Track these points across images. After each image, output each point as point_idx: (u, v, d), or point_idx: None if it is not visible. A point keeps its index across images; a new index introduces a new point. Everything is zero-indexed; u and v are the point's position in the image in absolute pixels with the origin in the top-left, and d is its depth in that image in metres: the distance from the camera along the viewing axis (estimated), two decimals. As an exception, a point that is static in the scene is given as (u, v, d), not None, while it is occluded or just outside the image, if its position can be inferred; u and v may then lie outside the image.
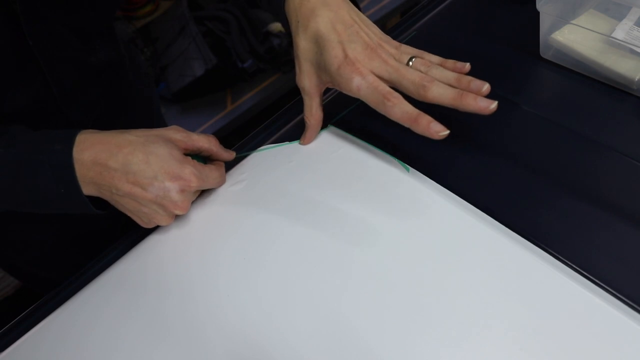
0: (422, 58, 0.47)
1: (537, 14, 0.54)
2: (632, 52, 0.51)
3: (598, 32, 0.53)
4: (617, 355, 0.36)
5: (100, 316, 0.45)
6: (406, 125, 0.43)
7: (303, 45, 0.47)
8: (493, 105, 0.42)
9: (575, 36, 0.55)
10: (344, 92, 0.47)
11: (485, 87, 0.44)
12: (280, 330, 0.41)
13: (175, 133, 0.47)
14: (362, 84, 0.44)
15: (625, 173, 0.46)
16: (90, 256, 0.51)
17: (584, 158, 0.48)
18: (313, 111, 0.51)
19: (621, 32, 0.52)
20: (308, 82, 0.49)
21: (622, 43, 0.52)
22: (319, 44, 0.46)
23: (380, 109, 0.45)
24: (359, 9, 0.52)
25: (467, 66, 0.47)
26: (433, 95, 0.43)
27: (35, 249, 0.67)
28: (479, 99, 0.43)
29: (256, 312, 0.42)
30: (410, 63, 0.46)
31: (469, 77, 0.45)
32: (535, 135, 0.51)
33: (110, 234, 0.58)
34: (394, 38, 0.63)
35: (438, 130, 0.42)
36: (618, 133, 0.50)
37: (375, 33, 0.47)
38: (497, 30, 0.62)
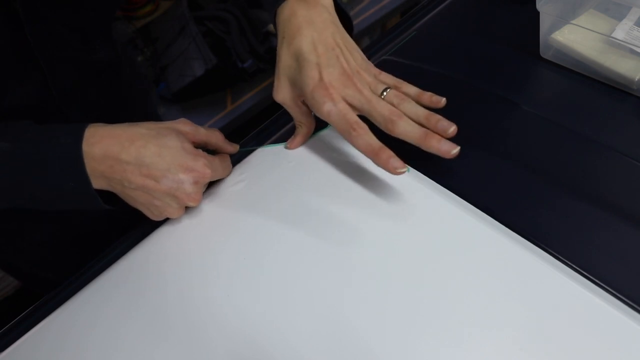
0: (398, 88, 0.48)
1: (537, 14, 0.54)
2: (632, 52, 0.51)
3: (598, 32, 0.53)
4: (617, 355, 0.36)
5: (100, 316, 0.45)
6: (367, 156, 0.45)
7: (284, 60, 0.48)
8: (455, 150, 0.44)
9: (575, 36, 0.55)
10: (315, 113, 0.48)
11: (452, 129, 0.45)
12: (281, 330, 0.41)
13: (184, 126, 0.47)
14: (332, 109, 0.45)
15: (625, 173, 0.46)
16: (90, 256, 0.51)
17: (584, 158, 0.48)
18: (301, 119, 0.52)
19: (621, 32, 0.52)
20: (285, 95, 0.50)
21: (622, 43, 0.52)
22: (298, 62, 0.47)
23: (346, 137, 0.46)
24: (352, 28, 0.52)
25: (443, 101, 0.49)
26: (399, 131, 0.44)
27: (35, 249, 0.67)
28: (442, 142, 0.44)
29: (256, 312, 0.42)
30: (385, 94, 0.47)
31: (438, 117, 0.46)
32: (535, 135, 0.51)
33: (110, 234, 0.57)
34: (394, 38, 0.64)
35: (396, 167, 0.43)
36: (618, 133, 0.50)
37: (356, 58, 0.48)
38: (497, 30, 0.62)
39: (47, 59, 0.49)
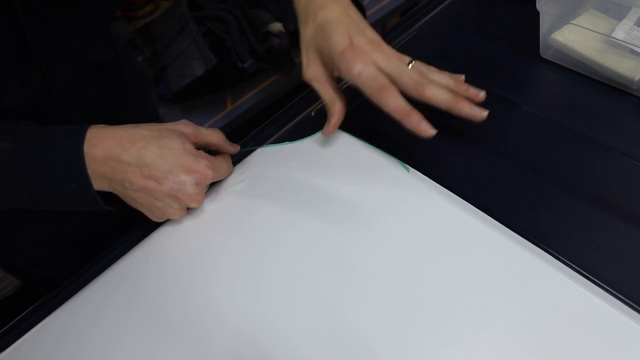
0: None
1: (537, 14, 0.54)
2: (632, 52, 0.51)
3: (598, 32, 0.53)
4: (617, 355, 0.36)
5: (100, 316, 0.45)
6: (398, 117, 0.45)
7: (309, 34, 0.48)
8: (485, 113, 0.46)
9: (575, 36, 0.55)
10: (344, 76, 0.47)
11: (482, 94, 0.47)
12: (281, 330, 0.41)
13: (185, 127, 0.47)
14: (363, 70, 0.45)
15: (625, 173, 0.46)
16: (90, 256, 0.51)
17: (584, 158, 0.48)
18: (333, 95, 0.50)
19: (621, 32, 0.52)
20: (315, 68, 0.49)
21: (622, 43, 0.52)
22: (325, 31, 0.46)
23: (375, 98, 0.45)
24: (365, 17, 0.52)
25: (462, 77, 0.49)
26: (431, 93, 0.45)
27: (35, 249, 0.67)
28: (473, 106, 0.46)
29: (256, 312, 0.42)
30: (411, 65, 0.47)
31: (466, 84, 0.47)
32: (535, 135, 0.51)
33: (110, 234, 0.57)
34: (394, 38, 0.64)
35: (427, 128, 0.44)
36: (618, 133, 0.50)
37: (377, 36, 0.48)
38: (497, 30, 0.62)
39: (47, 59, 0.49)
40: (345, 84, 0.56)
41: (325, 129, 0.51)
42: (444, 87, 0.46)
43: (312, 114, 0.53)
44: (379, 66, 0.45)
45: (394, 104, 0.45)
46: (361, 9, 0.52)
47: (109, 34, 0.60)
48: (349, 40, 0.45)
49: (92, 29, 0.55)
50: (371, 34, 0.47)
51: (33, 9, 0.46)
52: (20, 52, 0.47)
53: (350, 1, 0.49)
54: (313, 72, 0.49)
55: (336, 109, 0.50)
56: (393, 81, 0.46)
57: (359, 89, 0.46)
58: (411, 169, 0.49)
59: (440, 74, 0.48)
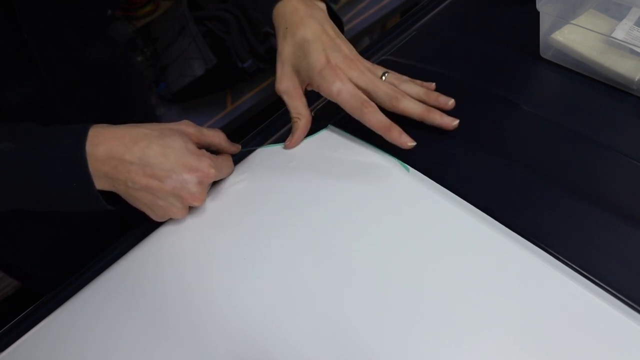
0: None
1: (537, 14, 0.54)
2: (632, 52, 0.51)
3: (598, 32, 0.53)
4: (617, 355, 0.36)
5: (100, 316, 0.45)
6: (379, 132, 0.48)
7: (288, 50, 0.50)
8: (455, 122, 0.50)
9: (575, 36, 0.55)
10: (323, 94, 0.49)
11: (451, 102, 0.51)
12: (281, 330, 0.41)
13: (187, 127, 0.48)
14: (342, 88, 0.48)
15: (625, 173, 0.46)
16: (90, 256, 0.51)
17: (584, 158, 0.48)
18: (301, 111, 0.52)
19: (621, 32, 0.52)
20: (289, 83, 0.51)
21: (622, 43, 0.52)
22: (304, 49, 0.49)
23: (356, 115, 0.48)
24: (343, 29, 0.56)
25: (433, 85, 0.54)
26: (404, 107, 0.48)
27: (35, 250, 0.67)
28: (444, 116, 0.50)
29: (256, 312, 0.42)
30: (384, 77, 0.51)
31: (437, 93, 0.51)
32: (535, 135, 0.51)
33: (111, 233, 0.57)
34: (394, 38, 0.64)
35: (407, 141, 0.47)
36: (618, 133, 0.50)
37: (353, 50, 0.51)
38: (497, 30, 0.62)
39: (46, 59, 0.49)
40: (325, 99, 0.57)
41: (288, 142, 0.53)
42: (415, 99, 0.49)
43: (312, 114, 0.53)
44: (355, 82, 0.48)
45: (374, 119, 0.47)
46: (338, 22, 0.55)
47: (108, 34, 0.60)
48: (326, 58, 0.48)
49: (92, 29, 0.55)
50: (346, 49, 0.50)
51: (32, 8, 0.46)
52: (19, 52, 0.47)
53: (326, 15, 0.52)
54: (285, 86, 0.52)
55: (301, 125, 0.52)
56: (369, 96, 0.49)
57: (340, 105, 0.49)
58: (411, 169, 0.49)
59: (411, 85, 0.51)
